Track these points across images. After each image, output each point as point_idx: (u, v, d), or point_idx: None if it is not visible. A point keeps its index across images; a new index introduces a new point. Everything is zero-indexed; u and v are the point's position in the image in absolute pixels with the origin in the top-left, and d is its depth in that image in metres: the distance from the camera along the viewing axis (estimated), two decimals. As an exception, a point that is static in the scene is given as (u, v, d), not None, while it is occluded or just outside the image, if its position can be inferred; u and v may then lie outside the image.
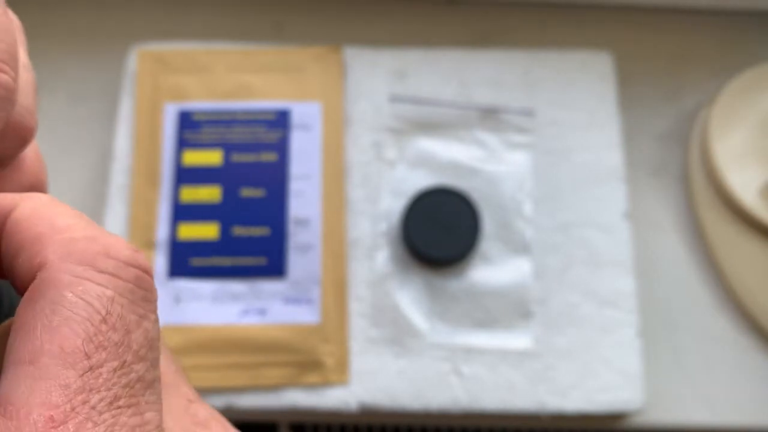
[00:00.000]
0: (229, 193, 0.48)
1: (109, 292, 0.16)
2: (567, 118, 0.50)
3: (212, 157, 0.48)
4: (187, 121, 0.49)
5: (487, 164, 0.49)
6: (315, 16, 0.55)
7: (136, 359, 0.16)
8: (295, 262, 0.46)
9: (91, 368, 0.15)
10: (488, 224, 0.47)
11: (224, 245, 0.47)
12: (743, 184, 0.48)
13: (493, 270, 0.47)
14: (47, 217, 0.17)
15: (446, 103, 0.50)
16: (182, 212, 0.47)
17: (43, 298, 0.15)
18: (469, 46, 0.52)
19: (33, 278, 0.16)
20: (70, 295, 0.15)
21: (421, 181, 0.48)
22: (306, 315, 0.45)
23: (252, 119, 0.49)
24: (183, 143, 0.49)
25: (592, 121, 0.50)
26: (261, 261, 0.46)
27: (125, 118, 0.50)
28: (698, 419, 0.46)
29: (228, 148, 0.49)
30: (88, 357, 0.15)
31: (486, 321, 0.46)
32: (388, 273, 0.46)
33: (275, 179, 0.48)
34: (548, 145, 0.50)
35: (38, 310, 0.15)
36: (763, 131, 0.50)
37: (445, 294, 0.46)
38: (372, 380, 0.44)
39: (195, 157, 0.48)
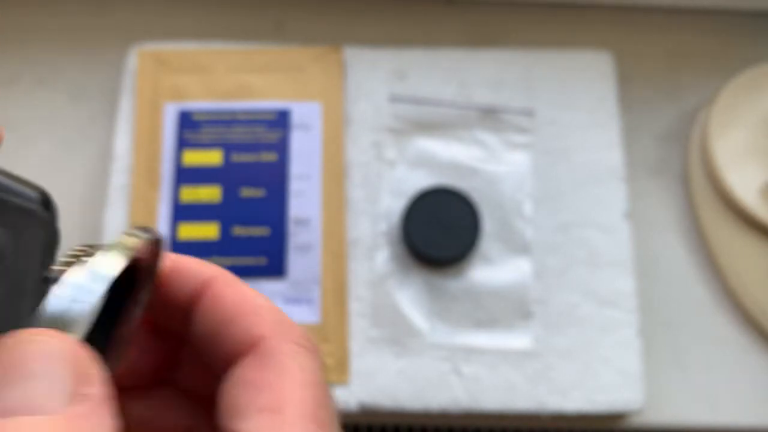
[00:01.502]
0: (229, 193, 0.48)
1: (317, 363, 0.20)
2: (567, 118, 0.50)
3: (212, 157, 0.48)
4: (187, 121, 0.49)
5: (487, 164, 0.49)
6: (315, 16, 0.55)
7: (334, 414, 0.20)
8: (295, 262, 0.46)
9: (322, 423, 0.18)
10: (488, 224, 0.47)
11: (224, 245, 0.47)
12: (743, 184, 0.48)
13: (493, 270, 0.47)
14: (249, 297, 0.21)
15: (446, 103, 0.50)
16: (182, 212, 0.47)
17: (273, 363, 0.19)
18: (469, 46, 0.52)
19: (249, 346, 0.20)
20: (295, 364, 0.19)
21: (421, 181, 0.48)
22: (306, 315, 0.45)
23: (252, 119, 0.49)
24: (183, 143, 0.49)
25: (592, 121, 0.50)
26: (261, 261, 0.46)
27: (125, 118, 0.50)
28: (698, 419, 0.46)
29: (228, 148, 0.49)
30: (317, 414, 0.19)
31: (486, 321, 0.46)
32: (388, 273, 0.46)
33: (275, 179, 0.48)
34: (548, 145, 0.50)
35: (272, 371, 0.19)
36: (763, 131, 0.50)
37: (445, 294, 0.46)
38: (372, 380, 0.44)
39: (195, 157, 0.48)
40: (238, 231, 0.47)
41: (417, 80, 0.51)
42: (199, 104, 0.50)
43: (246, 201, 0.47)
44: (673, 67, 0.54)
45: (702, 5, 0.55)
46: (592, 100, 0.51)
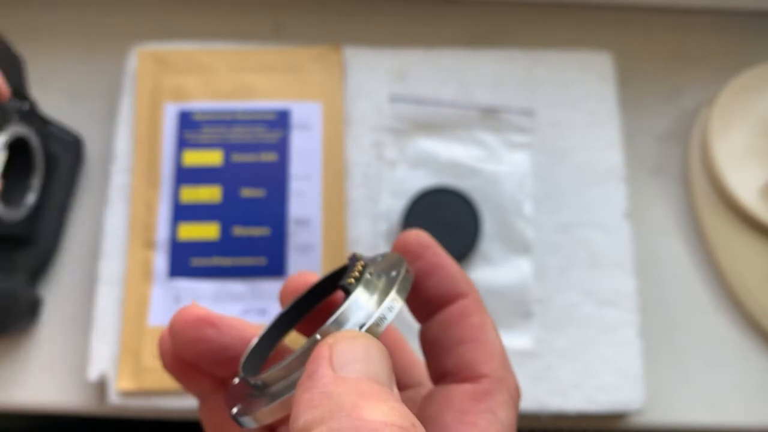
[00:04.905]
0: (229, 193, 0.48)
1: (516, 413, 0.23)
2: (567, 118, 0.50)
3: (212, 157, 0.48)
4: (187, 121, 0.49)
5: (487, 164, 0.49)
6: (315, 16, 0.55)
7: None
8: (295, 262, 0.46)
9: None
10: (488, 224, 0.47)
11: (224, 245, 0.47)
12: (743, 184, 0.48)
13: (493, 270, 0.47)
14: (490, 328, 0.24)
15: (446, 103, 0.50)
16: (182, 212, 0.47)
17: (486, 407, 0.22)
18: (469, 46, 0.52)
19: (469, 377, 0.23)
20: (503, 413, 0.22)
21: (422, 181, 0.48)
22: (306, 315, 0.45)
23: (252, 119, 0.49)
24: (183, 143, 0.49)
25: (592, 121, 0.50)
26: (261, 261, 0.46)
27: (125, 118, 0.50)
28: (698, 419, 0.46)
29: (228, 148, 0.48)
30: None
31: (486, 321, 0.46)
32: (388, 273, 0.46)
33: (275, 179, 0.48)
34: (548, 145, 0.50)
35: (483, 414, 0.22)
36: (763, 131, 0.50)
37: (446, 294, 0.46)
38: (372, 380, 0.44)
39: (195, 157, 0.48)
40: (239, 231, 0.47)
41: (417, 80, 0.51)
42: (199, 104, 0.50)
43: (246, 201, 0.47)
44: (673, 67, 0.54)
45: (702, 5, 0.55)
46: (592, 100, 0.51)
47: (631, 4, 0.55)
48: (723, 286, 0.48)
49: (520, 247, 0.47)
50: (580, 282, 0.47)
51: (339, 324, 0.21)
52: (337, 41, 0.52)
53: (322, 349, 0.19)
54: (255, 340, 0.25)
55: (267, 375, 0.21)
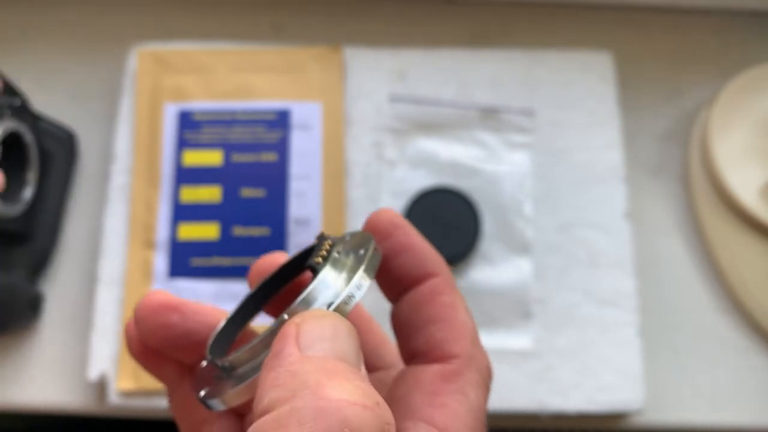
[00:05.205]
0: (229, 193, 0.48)
1: (487, 393, 0.23)
2: (567, 118, 0.50)
3: (212, 157, 0.48)
4: (187, 121, 0.49)
5: (487, 164, 0.49)
6: (315, 16, 0.55)
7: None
8: (295, 262, 0.46)
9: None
10: (488, 224, 0.47)
11: (224, 245, 0.47)
12: (743, 184, 0.48)
13: (493, 270, 0.47)
14: (460, 307, 0.23)
15: (446, 103, 0.50)
16: (182, 212, 0.47)
17: (456, 387, 0.22)
18: (469, 46, 0.52)
19: (439, 356, 0.22)
20: (473, 393, 0.22)
21: (422, 181, 0.48)
22: (306, 315, 0.45)
23: (252, 119, 0.49)
24: (183, 143, 0.49)
25: (592, 121, 0.50)
26: (261, 261, 0.46)
27: (125, 118, 0.50)
28: (698, 419, 0.46)
29: (228, 148, 0.48)
30: (482, 421, 0.21)
31: (486, 321, 0.46)
32: (388, 273, 0.46)
33: (275, 179, 0.48)
34: (548, 145, 0.50)
35: (453, 394, 0.21)
36: (763, 131, 0.50)
37: (446, 294, 0.46)
38: (372, 380, 0.44)
39: (195, 157, 0.48)
40: (239, 231, 0.47)
41: (417, 80, 0.51)
42: (199, 104, 0.50)
43: (246, 201, 0.47)
44: (673, 67, 0.54)
45: (702, 5, 0.55)
46: (592, 100, 0.51)
47: (631, 4, 0.55)
48: (723, 286, 0.48)
49: (520, 247, 0.47)
50: (580, 282, 0.47)
51: (307, 303, 0.20)
52: (337, 41, 0.52)
53: (289, 328, 0.19)
54: (222, 323, 0.24)
55: (234, 357, 0.21)
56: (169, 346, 0.24)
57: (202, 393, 0.22)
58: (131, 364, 0.44)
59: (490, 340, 0.45)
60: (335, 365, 0.18)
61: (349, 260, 0.22)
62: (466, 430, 0.21)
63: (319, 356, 0.18)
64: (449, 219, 0.46)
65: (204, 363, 0.24)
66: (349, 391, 0.17)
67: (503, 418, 0.45)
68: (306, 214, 0.47)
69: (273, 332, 0.20)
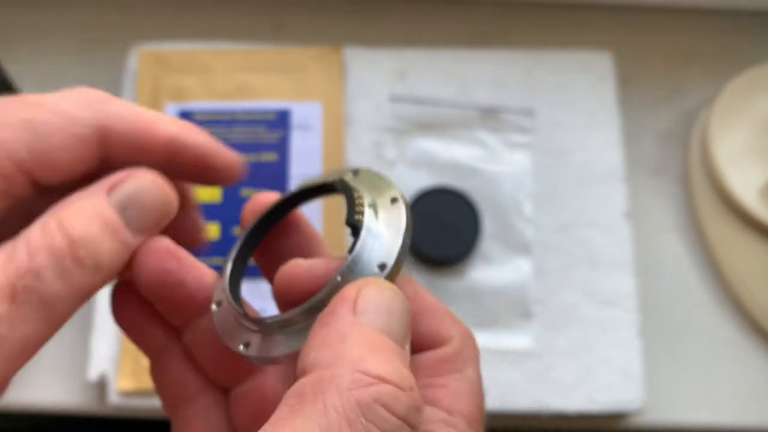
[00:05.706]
0: (229, 193, 0.48)
1: (480, 372, 0.23)
2: (567, 118, 0.50)
3: (212, 157, 0.48)
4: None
5: (487, 164, 0.49)
6: (315, 16, 0.55)
7: (485, 413, 0.23)
8: (295, 262, 0.46)
9: (480, 425, 0.22)
10: (488, 224, 0.47)
11: (224, 245, 0.47)
12: (743, 184, 0.48)
13: (493, 270, 0.47)
14: (423, 292, 0.23)
15: (446, 103, 0.50)
16: (182, 212, 0.47)
17: (456, 370, 0.22)
18: (469, 46, 0.52)
19: (437, 342, 0.22)
20: (474, 374, 0.22)
21: (421, 181, 0.48)
22: (306, 315, 0.45)
23: (252, 119, 0.49)
24: (183, 143, 0.49)
25: (592, 121, 0.50)
26: (261, 261, 0.46)
27: (125, 118, 0.50)
28: (698, 419, 0.46)
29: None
30: (479, 418, 0.21)
31: (486, 321, 0.46)
32: (388, 273, 0.46)
33: (275, 179, 0.48)
34: (548, 144, 0.50)
35: (456, 378, 0.22)
36: (763, 131, 0.50)
37: (446, 294, 0.46)
38: (372, 380, 0.44)
39: (195, 157, 0.48)
40: (239, 231, 0.47)
41: (417, 80, 0.51)
42: (199, 104, 0.50)
43: (246, 201, 0.47)
44: (673, 67, 0.54)
45: (702, 5, 0.55)
46: (592, 100, 0.51)
47: (631, 4, 0.55)
48: (723, 286, 0.48)
49: (520, 247, 0.47)
50: (580, 282, 0.47)
51: (354, 264, 0.20)
52: (337, 41, 0.52)
53: (350, 291, 0.19)
54: (229, 265, 0.24)
55: (288, 315, 0.21)
56: (164, 295, 0.23)
57: (241, 347, 0.21)
58: (131, 364, 0.44)
59: (490, 340, 0.45)
60: (382, 341, 0.18)
61: (382, 213, 0.22)
62: (469, 406, 0.21)
63: (369, 327, 0.19)
64: (449, 219, 0.46)
65: (215, 307, 0.23)
66: (387, 370, 0.18)
67: (503, 418, 0.45)
68: (306, 214, 0.47)
69: (329, 293, 0.20)
